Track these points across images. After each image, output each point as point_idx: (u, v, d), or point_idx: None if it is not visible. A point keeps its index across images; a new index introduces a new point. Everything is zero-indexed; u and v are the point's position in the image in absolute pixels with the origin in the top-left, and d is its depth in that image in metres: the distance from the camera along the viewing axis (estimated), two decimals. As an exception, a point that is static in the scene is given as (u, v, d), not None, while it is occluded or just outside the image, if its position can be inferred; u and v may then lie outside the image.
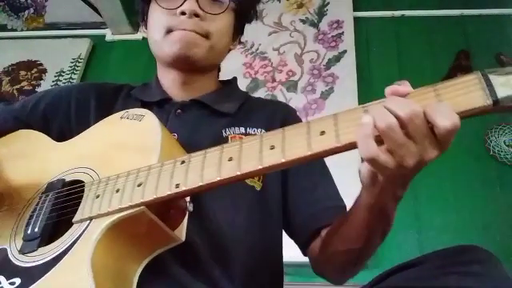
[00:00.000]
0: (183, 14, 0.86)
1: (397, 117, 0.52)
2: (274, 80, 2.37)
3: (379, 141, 0.53)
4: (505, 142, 2.07)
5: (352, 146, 0.55)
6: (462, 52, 2.29)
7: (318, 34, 2.46)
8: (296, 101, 2.27)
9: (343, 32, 2.43)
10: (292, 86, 2.33)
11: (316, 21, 2.51)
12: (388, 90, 0.56)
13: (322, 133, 0.56)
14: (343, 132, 0.55)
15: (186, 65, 0.90)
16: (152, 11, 0.92)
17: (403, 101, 0.53)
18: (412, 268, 0.66)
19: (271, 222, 0.87)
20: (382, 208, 0.64)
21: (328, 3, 2.54)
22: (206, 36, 0.88)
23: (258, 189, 0.85)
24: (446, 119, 0.50)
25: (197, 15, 0.86)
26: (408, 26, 2.44)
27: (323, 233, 0.84)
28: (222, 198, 0.81)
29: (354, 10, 2.49)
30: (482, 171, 2.04)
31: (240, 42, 1.04)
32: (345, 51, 2.37)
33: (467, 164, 2.01)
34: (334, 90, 2.28)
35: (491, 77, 0.52)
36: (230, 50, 1.00)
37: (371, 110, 0.55)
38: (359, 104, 2.12)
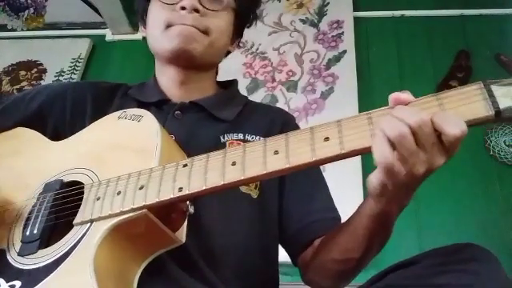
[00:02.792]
0: (183, 9, 0.87)
1: (407, 125, 0.52)
2: (273, 80, 2.36)
3: None
4: (505, 142, 2.07)
5: (355, 153, 0.55)
6: (462, 52, 2.28)
7: (318, 34, 2.46)
8: (296, 101, 2.27)
9: (343, 32, 2.42)
10: (292, 86, 2.33)
11: (316, 21, 2.51)
12: (391, 97, 0.57)
13: (326, 139, 0.56)
14: (347, 139, 0.55)
15: (184, 60, 0.89)
16: (152, 8, 0.92)
17: (410, 109, 0.54)
18: (410, 266, 0.66)
19: (269, 229, 0.87)
20: (386, 217, 0.64)
21: (328, 3, 2.54)
22: (205, 32, 0.88)
23: (255, 196, 0.85)
24: (454, 127, 0.51)
25: (197, 10, 0.87)
26: (408, 25, 2.43)
27: (316, 242, 0.84)
28: (216, 206, 0.80)
29: (354, 10, 2.49)
30: (482, 171, 2.04)
31: (239, 46, 1.04)
32: (345, 51, 2.36)
33: (467, 164, 2.00)
34: (334, 90, 2.27)
35: (493, 87, 0.52)
36: (228, 52, 1.00)
37: (379, 118, 0.55)
38: (359, 104, 2.11)
